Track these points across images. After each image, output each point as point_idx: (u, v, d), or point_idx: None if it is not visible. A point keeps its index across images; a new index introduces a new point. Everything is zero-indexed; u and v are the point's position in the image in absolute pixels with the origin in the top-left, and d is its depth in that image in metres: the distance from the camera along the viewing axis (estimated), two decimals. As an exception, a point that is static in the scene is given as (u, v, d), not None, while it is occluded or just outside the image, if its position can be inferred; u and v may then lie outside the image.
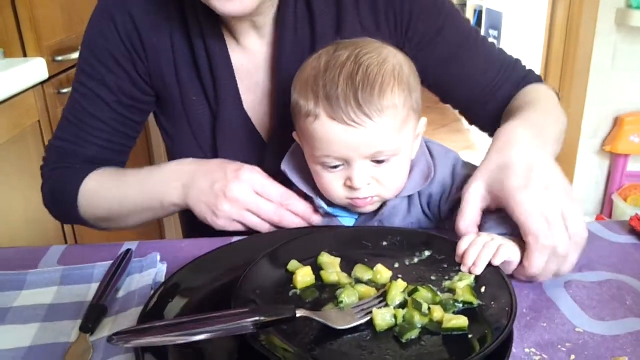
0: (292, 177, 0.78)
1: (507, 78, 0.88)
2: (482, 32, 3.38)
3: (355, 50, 0.69)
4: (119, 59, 0.85)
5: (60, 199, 0.88)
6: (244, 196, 0.76)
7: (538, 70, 2.45)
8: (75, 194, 0.86)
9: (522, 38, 2.96)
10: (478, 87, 0.88)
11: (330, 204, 0.77)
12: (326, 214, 0.78)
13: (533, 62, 2.66)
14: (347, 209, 0.78)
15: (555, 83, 2.31)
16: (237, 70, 0.86)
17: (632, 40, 2.20)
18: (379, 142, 0.69)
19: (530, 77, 0.90)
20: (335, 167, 0.71)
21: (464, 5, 3.86)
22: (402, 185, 0.75)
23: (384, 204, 0.76)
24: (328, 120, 0.68)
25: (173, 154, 0.93)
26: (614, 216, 2.38)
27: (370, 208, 0.76)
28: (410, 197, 0.77)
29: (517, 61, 0.91)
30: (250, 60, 0.86)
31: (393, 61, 0.70)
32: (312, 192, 0.77)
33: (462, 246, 0.63)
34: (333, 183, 0.73)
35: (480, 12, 3.55)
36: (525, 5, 2.90)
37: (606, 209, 2.42)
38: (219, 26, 0.84)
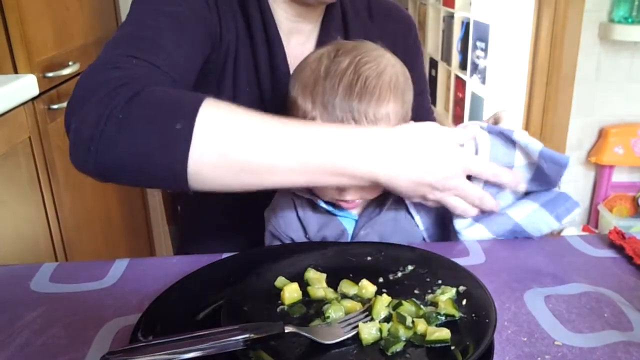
0: None
1: None
2: (470, 44, 3.45)
3: (356, 58, 0.73)
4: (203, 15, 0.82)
5: (147, 118, 0.63)
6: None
7: (523, 82, 2.48)
8: (191, 114, 0.62)
9: (508, 50, 3.00)
10: None
11: (328, 203, 0.80)
12: (326, 212, 0.81)
13: (518, 73, 2.70)
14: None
15: (541, 94, 2.35)
16: (291, 65, 0.91)
17: (614, 53, 2.25)
18: None
19: None
20: None
21: (452, 17, 3.90)
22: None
23: (384, 203, 0.80)
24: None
25: None
26: (600, 226, 2.41)
27: (353, 211, 0.81)
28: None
29: None
30: (295, 58, 0.91)
31: (390, 72, 0.74)
32: (309, 193, 0.80)
33: None
34: None
35: (468, 24, 3.58)
36: (512, 17, 2.94)
37: (592, 219, 2.46)
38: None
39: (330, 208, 0.81)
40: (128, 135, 0.62)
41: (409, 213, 0.82)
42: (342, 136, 0.66)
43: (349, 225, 0.82)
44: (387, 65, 0.74)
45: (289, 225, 0.83)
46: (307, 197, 0.80)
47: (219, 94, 0.87)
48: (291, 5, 0.89)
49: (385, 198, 0.80)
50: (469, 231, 0.79)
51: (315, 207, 0.82)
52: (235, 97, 0.90)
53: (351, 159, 0.66)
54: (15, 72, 1.37)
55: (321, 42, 0.93)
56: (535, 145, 0.76)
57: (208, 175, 0.63)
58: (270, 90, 0.90)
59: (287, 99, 0.76)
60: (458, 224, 0.79)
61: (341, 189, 0.75)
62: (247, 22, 0.89)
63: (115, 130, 0.61)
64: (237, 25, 0.88)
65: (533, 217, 0.78)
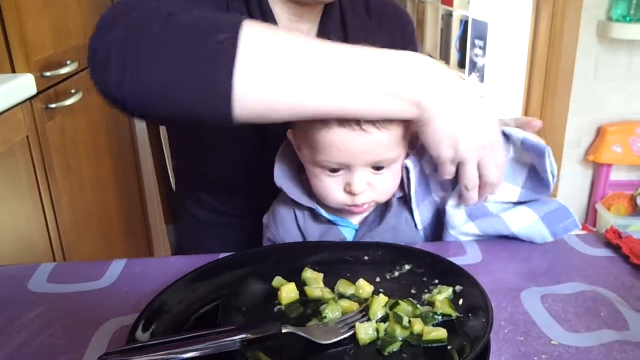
0: (290, 193, 0.80)
1: None
2: (468, 42, 3.45)
3: None
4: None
5: (187, 32, 0.59)
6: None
7: (522, 81, 2.48)
8: (235, 27, 0.59)
9: (507, 48, 3.00)
10: None
11: (329, 211, 0.80)
12: (327, 222, 0.81)
13: (517, 72, 2.70)
14: (348, 219, 0.81)
15: (539, 93, 2.35)
16: None
17: (613, 51, 2.25)
18: (383, 151, 0.72)
19: None
20: (336, 171, 0.74)
21: (450, 15, 3.90)
22: (394, 190, 0.79)
23: (383, 218, 0.79)
24: (337, 127, 0.69)
25: (198, 139, 0.93)
26: (598, 225, 2.41)
27: (365, 214, 0.80)
28: (399, 199, 0.81)
29: None
30: None
31: None
32: (311, 202, 0.79)
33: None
34: (332, 187, 0.75)
35: (466, 23, 3.59)
36: (510, 16, 2.94)
37: (590, 218, 2.46)
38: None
39: (332, 217, 0.80)
40: (168, 48, 0.58)
41: (410, 214, 0.82)
42: (391, 57, 0.65)
43: (349, 235, 0.82)
44: None
45: (288, 234, 0.82)
46: (310, 206, 0.80)
47: None
48: (288, 5, 0.89)
49: (386, 209, 0.80)
50: (463, 227, 0.80)
51: (316, 217, 0.81)
52: None
53: (400, 78, 0.64)
54: (13, 71, 1.37)
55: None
56: (519, 134, 0.75)
57: (254, 93, 0.59)
58: None
59: None
60: (455, 218, 0.79)
61: (353, 193, 0.74)
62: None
63: (154, 44, 0.57)
64: None
65: (531, 229, 0.78)
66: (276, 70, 0.60)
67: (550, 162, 0.74)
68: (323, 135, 0.71)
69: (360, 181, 0.74)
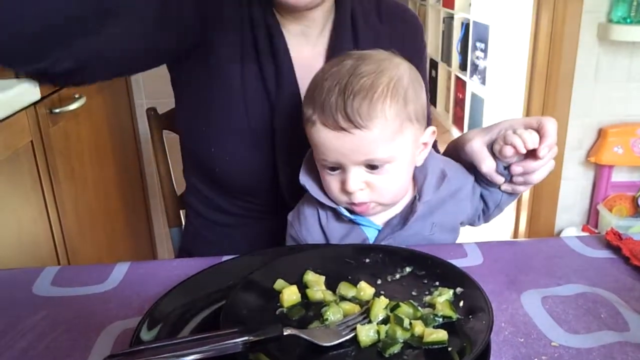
0: (312, 191, 0.81)
1: None
2: (469, 45, 3.45)
3: (358, 62, 0.73)
4: None
5: None
6: None
7: (523, 83, 2.49)
8: None
9: (508, 50, 3.01)
10: None
11: (352, 212, 0.80)
12: (350, 221, 0.81)
13: (518, 74, 2.70)
14: (370, 218, 0.81)
15: (540, 95, 2.35)
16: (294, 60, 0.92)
17: (613, 53, 2.25)
18: (370, 150, 0.72)
19: None
20: (333, 169, 0.76)
21: (451, 18, 3.91)
22: (400, 192, 0.78)
23: (408, 218, 0.79)
24: (321, 127, 0.73)
25: (210, 140, 0.95)
26: (600, 226, 2.41)
27: (371, 213, 0.80)
28: (428, 203, 0.80)
29: None
30: (306, 53, 0.93)
31: (391, 73, 0.73)
32: (332, 202, 0.80)
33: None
34: (332, 184, 0.77)
35: (467, 25, 3.60)
36: (511, 18, 2.95)
37: (592, 219, 2.46)
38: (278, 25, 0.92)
39: (354, 217, 0.80)
40: None
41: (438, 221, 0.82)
42: None
43: (371, 235, 0.81)
44: (389, 66, 0.74)
45: (310, 234, 0.83)
46: (332, 206, 0.80)
47: (229, 99, 0.90)
48: (282, 13, 0.90)
49: (410, 213, 0.79)
50: None
51: (339, 217, 0.81)
52: (245, 95, 0.92)
53: None
54: (17, 76, 1.38)
55: (332, 47, 0.94)
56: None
57: None
58: (274, 78, 0.91)
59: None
60: None
61: (348, 191, 0.75)
62: (253, 34, 0.91)
63: None
64: (242, 38, 0.90)
65: None
66: None
67: None
68: (313, 134, 0.74)
69: (354, 180, 0.74)
